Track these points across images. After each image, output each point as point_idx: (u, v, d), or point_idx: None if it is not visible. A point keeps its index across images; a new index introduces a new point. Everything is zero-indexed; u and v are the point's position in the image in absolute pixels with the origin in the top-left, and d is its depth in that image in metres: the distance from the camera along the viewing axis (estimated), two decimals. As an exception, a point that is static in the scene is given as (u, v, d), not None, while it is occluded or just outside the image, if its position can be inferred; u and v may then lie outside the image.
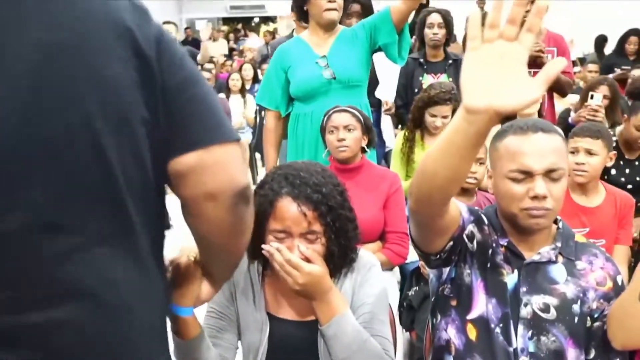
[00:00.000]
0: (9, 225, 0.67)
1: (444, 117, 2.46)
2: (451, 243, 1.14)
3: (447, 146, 0.88)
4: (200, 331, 1.07)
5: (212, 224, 0.81)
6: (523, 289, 1.16)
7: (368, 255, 1.30)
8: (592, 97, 2.73)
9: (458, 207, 1.14)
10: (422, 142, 2.60)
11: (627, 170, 2.48)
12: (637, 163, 2.48)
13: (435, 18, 3.11)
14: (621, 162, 2.47)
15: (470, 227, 1.19)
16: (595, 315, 1.17)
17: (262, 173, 5.72)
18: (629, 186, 2.41)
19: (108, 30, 0.72)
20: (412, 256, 2.15)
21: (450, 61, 3.12)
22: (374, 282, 1.25)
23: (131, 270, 0.77)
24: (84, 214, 0.71)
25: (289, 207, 1.11)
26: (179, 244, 0.98)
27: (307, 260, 1.11)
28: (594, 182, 2.01)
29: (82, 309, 0.72)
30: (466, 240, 1.18)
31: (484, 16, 0.81)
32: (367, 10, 3.05)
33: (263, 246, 1.12)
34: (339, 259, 1.18)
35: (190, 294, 0.97)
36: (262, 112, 5.77)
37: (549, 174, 1.10)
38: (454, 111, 2.49)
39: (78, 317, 0.71)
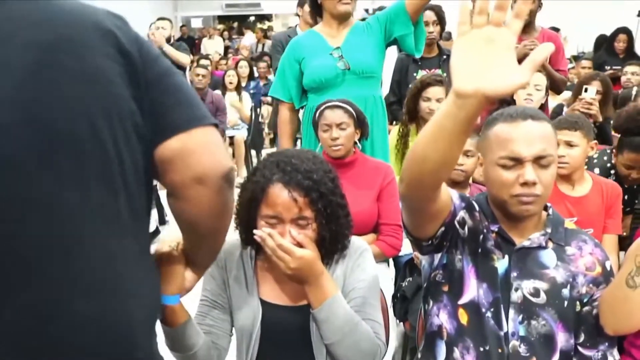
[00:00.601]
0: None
1: (438, 100, 2.47)
2: (442, 229, 1.15)
3: (437, 130, 0.90)
4: (188, 318, 1.08)
5: (202, 206, 0.84)
6: (514, 274, 1.18)
7: (359, 240, 1.32)
8: (586, 90, 2.76)
9: (449, 193, 1.16)
10: (417, 136, 2.61)
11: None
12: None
13: (429, 15, 3.12)
14: None
15: (462, 213, 1.21)
16: (585, 300, 1.19)
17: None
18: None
19: (93, 30, 0.76)
20: (406, 248, 2.18)
21: (444, 57, 3.14)
22: (365, 266, 1.27)
23: (131, 258, 0.80)
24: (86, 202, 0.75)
25: (280, 193, 1.13)
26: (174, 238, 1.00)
27: (299, 245, 1.13)
28: (579, 172, 2.03)
29: (84, 294, 0.74)
30: (457, 226, 1.20)
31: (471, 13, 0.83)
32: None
33: (255, 231, 1.14)
34: (330, 245, 1.20)
35: (175, 283, 0.99)
36: (258, 109, 5.81)
37: (538, 161, 1.11)
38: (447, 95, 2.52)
39: (78, 300, 0.73)
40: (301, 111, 2.52)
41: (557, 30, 4.78)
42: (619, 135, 2.36)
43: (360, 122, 2.04)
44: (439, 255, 1.25)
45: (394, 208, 2.05)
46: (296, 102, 2.42)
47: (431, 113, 2.50)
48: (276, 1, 11.53)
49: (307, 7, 3.75)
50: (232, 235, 1.30)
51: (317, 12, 2.41)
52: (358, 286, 1.23)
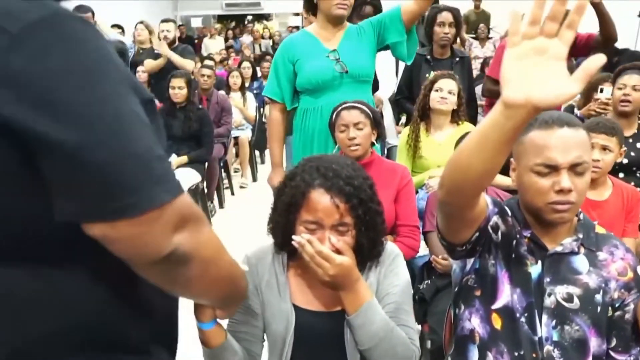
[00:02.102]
0: None
1: (450, 91, 2.54)
2: (477, 234, 1.16)
3: (482, 140, 0.90)
4: (225, 340, 1.12)
5: (156, 281, 0.73)
6: (547, 279, 1.18)
7: (391, 245, 1.32)
8: (601, 90, 2.79)
9: (485, 199, 1.16)
10: (427, 135, 2.64)
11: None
12: (630, 140, 2.51)
13: (446, 17, 3.13)
14: None
15: (495, 219, 1.21)
16: (617, 305, 1.20)
17: (261, 170, 5.73)
18: (625, 161, 2.43)
19: None
20: (422, 250, 2.19)
21: (457, 59, 3.16)
22: (399, 272, 1.27)
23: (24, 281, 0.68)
24: None
25: (321, 199, 1.13)
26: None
27: (338, 252, 1.13)
28: (603, 176, 2.04)
29: None
30: (491, 231, 1.21)
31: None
32: (378, 12, 3.09)
33: (293, 237, 1.14)
34: (368, 252, 1.21)
35: (206, 313, 1.05)
36: (262, 110, 5.80)
37: (574, 168, 1.12)
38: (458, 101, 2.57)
39: None
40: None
41: None
42: None
43: (376, 123, 2.06)
44: (471, 260, 1.26)
45: (411, 209, 2.06)
46: (288, 103, 2.39)
47: (441, 102, 2.55)
48: (276, 0, 11.53)
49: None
50: (264, 239, 1.30)
51: (311, 11, 2.42)
52: (392, 291, 1.24)
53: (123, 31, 6.52)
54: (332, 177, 1.14)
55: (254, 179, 5.62)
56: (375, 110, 2.09)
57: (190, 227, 0.69)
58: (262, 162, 6.20)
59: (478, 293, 1.25)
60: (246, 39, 10.83)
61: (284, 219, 1.19)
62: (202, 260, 0.73)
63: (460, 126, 2.68)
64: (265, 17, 14.08)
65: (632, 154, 2.49)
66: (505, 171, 1.23)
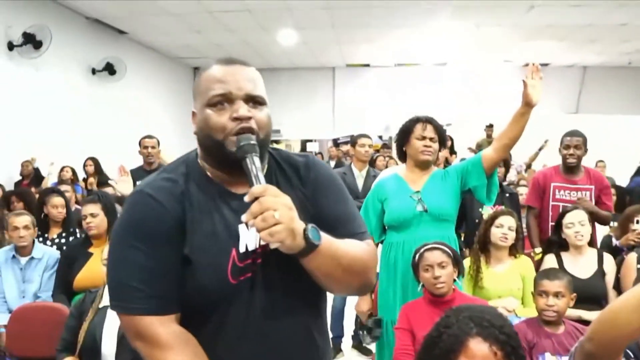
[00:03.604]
0: None
1: (510, 227, 2.81)
2: None
3: None
4: None
5: None
6: None
7: None
8: (637, 222, 3.04)
9: None
10: (487, 267, 2.83)
11: None
12: None
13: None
14: None
15: None
16: None
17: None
18: None
19: None
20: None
21: (507, 194, 3.45)
22: None
23: None
24: None
25: (480, 347, 1.20)
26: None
27: None
28: None
29: None
30: None
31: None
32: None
33: None
34: None
35: None
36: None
37: None
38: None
39: None
40: (380, 245, 2.71)
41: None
42: None
43: (456, 261, 2.24)
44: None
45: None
46: (375, 236, 2.61)
47: (503, 238, 2.79)
48: (294, 129, 12.23)
49: (358, 147, 4.13)
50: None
51: (401, 157, 2.72)
52: None
53: None
54: (487, 326, 1.22)
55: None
56: (455, 250, 2.30)
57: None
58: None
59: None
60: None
61: None
62: None
63: (518, 259, 2.87)
64: (277, 142, 14.70)
65: None
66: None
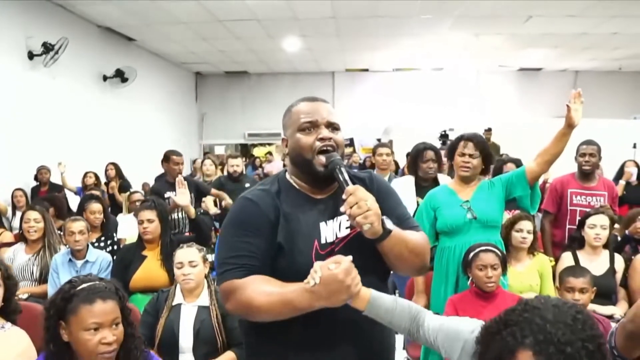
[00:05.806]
0: None
1: (528, 231, 3.12)
2: None
3: None
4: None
5: None
6: None
7: None
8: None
9: None
10: (509, 266, 3.13)
11: None
12: None
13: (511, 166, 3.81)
14: None
15: None
16: None
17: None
18: None
19: None
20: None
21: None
22: None
23: None
24: None
25: None
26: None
27: None
28: None
29: None
30: None
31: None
32: (439, 157, 3.77)
33: None
34: None
35: None
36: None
37: None
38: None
39: None
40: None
41: None
42: None
43: (504, 263, 2.58)
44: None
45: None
46: (430, 241, 2.89)
47: (523, 242, 3.11)
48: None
49: (377, 156, 4.43)
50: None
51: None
52: None
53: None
54: (542, 340, 1.07)
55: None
56: (504, 252, 2.65)
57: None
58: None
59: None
60: (279, 164, 11.53)
61: None
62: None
63: (536, 257, 3.18)
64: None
65: None
66: None
